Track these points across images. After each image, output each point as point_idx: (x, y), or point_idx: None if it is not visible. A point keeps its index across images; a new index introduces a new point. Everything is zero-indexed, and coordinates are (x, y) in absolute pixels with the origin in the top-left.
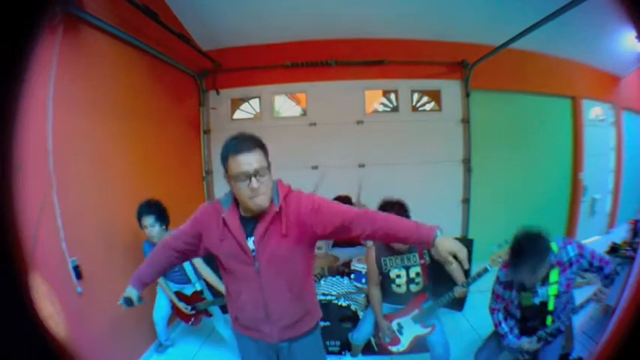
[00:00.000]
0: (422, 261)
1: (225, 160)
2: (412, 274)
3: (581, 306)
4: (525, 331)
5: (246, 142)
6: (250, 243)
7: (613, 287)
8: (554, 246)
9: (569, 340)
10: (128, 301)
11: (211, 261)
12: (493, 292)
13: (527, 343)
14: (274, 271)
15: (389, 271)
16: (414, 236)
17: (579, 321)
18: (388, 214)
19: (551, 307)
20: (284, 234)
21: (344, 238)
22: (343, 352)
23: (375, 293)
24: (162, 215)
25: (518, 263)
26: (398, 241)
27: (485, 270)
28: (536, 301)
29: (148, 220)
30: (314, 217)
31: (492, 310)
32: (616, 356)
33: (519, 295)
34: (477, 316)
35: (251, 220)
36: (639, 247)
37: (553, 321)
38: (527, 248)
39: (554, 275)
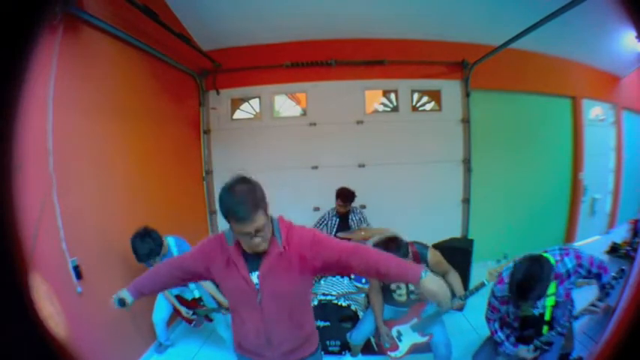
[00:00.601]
0: None
1: (226, 219)
2: (412, 287)
3: (576, 317)
4: (521, 339)
5: (245, 208)
6: (254, 277)
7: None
8: (551, 259)
9: (569, 340)
10: (121, 302)
11: None
12: (489, 304)
13: (524, 352)
14: (276, 303)
15: (389, 284)
16: (401, 275)
17: (579, 321)
18: (379, 251)
19: (547, 317)
20: (287, 269)
21: (339, 272)
22: (343, 352)
23: (376, 299)
24: (153, 250)
25: (521, 300)
26: (387, 278)
27: (483, 284)
28: (536, 312)
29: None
30: (314, 251)
31: (488, 320)
32: (616, 356)
33: (517, 309)
34: (478, 316)
35: (254, 255)
36: (639, 247)
37: (549, 330)
38: (530, 285)
39: (551, 288)
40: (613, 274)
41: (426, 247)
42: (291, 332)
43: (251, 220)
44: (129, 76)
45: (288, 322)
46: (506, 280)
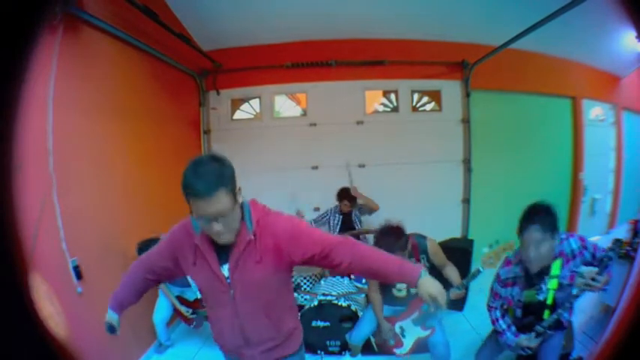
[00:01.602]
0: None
1: (185, 196)
2: None
3: (577, 295)
4: (522, 327)
5: (205, 183)
6: (225, 270)
7: (612, 287)
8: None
9: (569, 340)
10: (111, 328)
11: None
12: (492, 290)
13: (526, 340)
14: (250, 297)
15: None
16: (396, 274)
17: (579, 321)
18: (372, 247)
19: (549, 301)
20: (258, 261)
21: (322, 266)
22: (343, 352)
23: (376, 298)
24: None
25: (528, 227)
26: (379, 278)
27: (478, 271)
28: (540, 297)
29: None
30: (291, 243)
31: (490, 308)
32: (616, 356)
33: (522, 292)
34: (477, 316)
35: (224, 246)
36: (639, 247)
37: (550, 314)
38: (537, 213)
39: (555, 268)
40: (609, 245)
41: (423, 237)
42: (269, 329)
43: (211, 198)
44: (129, 76)
45: (266, 319)
46: (514, 261)
